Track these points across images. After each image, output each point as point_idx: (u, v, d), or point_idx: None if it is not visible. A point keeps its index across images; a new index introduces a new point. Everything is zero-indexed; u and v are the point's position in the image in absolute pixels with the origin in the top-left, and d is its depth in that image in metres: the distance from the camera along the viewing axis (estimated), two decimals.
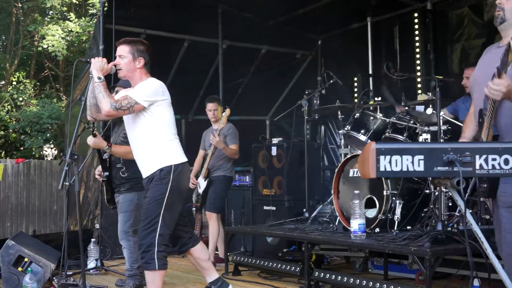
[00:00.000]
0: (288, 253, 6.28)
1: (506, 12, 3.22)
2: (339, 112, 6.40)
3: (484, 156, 2.76)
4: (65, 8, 17.07)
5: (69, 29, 15.61)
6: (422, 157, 2.77)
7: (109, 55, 5.45)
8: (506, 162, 2.75)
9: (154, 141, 4.25)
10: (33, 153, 15.44)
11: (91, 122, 4.80)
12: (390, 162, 2.77)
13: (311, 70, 9.22)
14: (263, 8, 7.95)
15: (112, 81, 5.61)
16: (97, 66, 4.19)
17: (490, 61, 3.25)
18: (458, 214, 4.85)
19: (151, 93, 4.22)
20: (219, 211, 6.59)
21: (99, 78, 4.14)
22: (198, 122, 8.80)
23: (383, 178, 5.03)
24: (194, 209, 6.67)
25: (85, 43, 15.74)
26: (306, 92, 7.01)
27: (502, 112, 3.08)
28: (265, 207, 7.03)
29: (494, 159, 2.76)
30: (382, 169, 2.77)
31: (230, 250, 6.40)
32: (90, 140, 4.93)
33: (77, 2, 17.12)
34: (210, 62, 8.64)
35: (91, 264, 6.40)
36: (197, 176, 6.69)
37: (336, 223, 5.62)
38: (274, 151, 7.08)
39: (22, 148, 16.13)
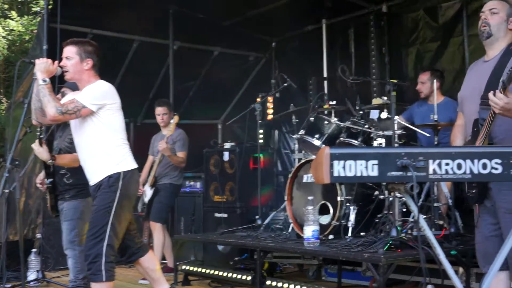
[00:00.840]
0: (240, 261, 6.28)
1: (492, 27, 3.45)
2: (293, 116, 6.43)
3: (437, 161, 2.81)
4: (6, 6, 16.71)
5: (11, 27, 15.32)
6: (376, 162, 2.80)
7: (53, 56, 5.34)
8: (459, 166, 2.81)
9: (102, 146, 4.17)
10: None
11: (38, 128, 4.70)
12: (344, 167, 2.79)
13: (264, 73, 9.25)
14: (216, 9, 7.93)
15: (57, 83, 5.51)
16: (42, 67, 4.10)
17: (478, 76, 3.49)
18: (412, 220, 4.92)
19: (99, 96, 4.14)
20: (164, 221, 6.53)
21: (44, 80, 4.05)
22: (147, 126, 8.70)
23: (337, 184, 5.08)
24: (140, 217, 6.59)
25: (27, 42, 15.43)
26: (260, 96, 7.02)
27: (497, 122, 3.22)
28: (216, 214, 7.02)
29: (447, 164, 2.81)
30: (336, 174, 2.78)
31: (180, 259, 6.36)
32: (35, 147, 4.82)
33: (20, 0, 16.79)
34: (160, 63, 8.58)
35: (31, 276, 6.26)
36: (144, 184, 6.62)
37: (289, 230, 5.62)
38: (226, 156, 7.08)
39: None
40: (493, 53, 3.46)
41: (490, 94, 3.04)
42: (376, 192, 5.25)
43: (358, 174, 2.80)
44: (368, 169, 2.80)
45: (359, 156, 2.80)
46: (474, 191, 3.34)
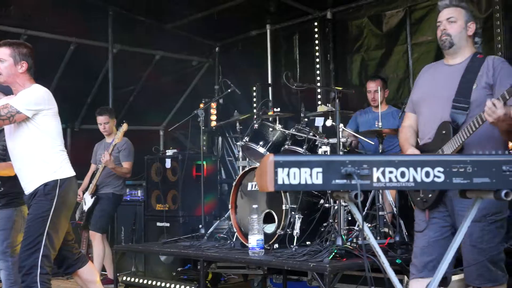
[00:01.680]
0: (183, 272, 6.27)
1: (453, 37, 3.50)
2: (237, 123, 6.46)
3: (381, 169, 2.86)
4: None
5: None
6: (320, 169, 2.82)
7: None
8: (403, 175, 2.88)
9: (38, 153, 4.11)
10: None
11: None
12: (288, 174, 2.81)
13: (208, 78, 9.29)
14: (158, 12, 7.93)
15: None
16: None
17: (441, 79, 3.55)
18: (357, 229, 5.02)
19: (35, 101, 4.08)
20: (104, 231, 6.47)
21: None
22: (85, 132, 8.62)
23: (282, 192, 5.13)
24: (78, 225, 6.50)
25: None
26: (203, 101, 7.04)
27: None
28: (158, 224, 6.98)
29: (391, 172, 2.87)
30: (280, 182, 2.79)
31: (120, 270, 6.31)
32: None
33: None
34: (99, 67, 8.50)
35: None
36: (84, 192, 6.53)
37: (234, 240, 5.64)
38: (168, 163, 7.05)
39: None
40: (459, 59, 3.53)
41: (489, 102, 3.09)
42: (321, 201, 5.34)
43: (303, 182, 2.81)
44: (313, 177, 2.82)
45: (304, 163, 2.83)
46: (430, 195, 3.42)
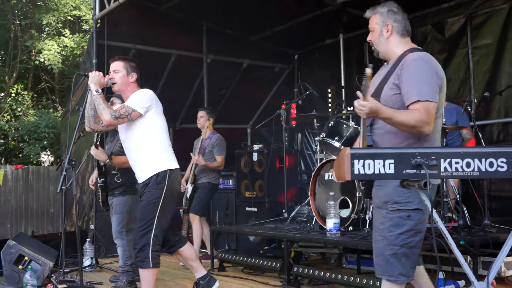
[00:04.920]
0: (269, 250, 6.28)
1: (375, 44, 3.16)
2: (315, 121, 6.42)
3: (448, 160, 2.79)
4: (60, 25, 16.96)
5: (64, 44, 15.52)
6: (392, 161, 2.78)
7: (102, 69, 5.42)
8: (468, 165, 2.78)
9: (150, 147, 4.20)
10: (31, 159, 15.30)
11: (95, 135, 4.77)
12: (363, 165, 2.78)
13: (288, 82, 9.26)
14: (244, 25, 7.98)
15: (105, 93, 5.58)
16: (95, 80, 4.16)
17: (375, 81, 3.19)
18: None
19: (145, 100, 4.19)
20: (202, 214, 6.49)
21: (97, 91, 4.12)
22: (184, 130, 8.77)
23: (356, 181, 5.05)
24: (181, 211, 6.62)
25: (79, 57, 15.64)
26: (284, 103, 7.03)
27: (377, 126, 3.07)
28: (247, 208, 7.02)
29: (457, 162, 2.78)
30: (356, 172, 2.77)
31: (216, 247, 6.39)
32: (93, 150, 4.89)
33: (72, 19, 17.02)
34: (195, 74, 8.62)
35: (86, 262, 6.35)
36: (187, 181, 6.65)
37: (313, 223, 5.63)
38: (255, 156, 7.09)
39: (20, 155, 15.98)
40: (391, 61, 3.12)
41: (355, 102, 2.86)
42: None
43: (376, 172, 2.77)
44: (386, 167, 2.78)
45: (377, 155, 2.79)
46: (363, 187, 3.19)
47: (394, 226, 2.92)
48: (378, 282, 4.27)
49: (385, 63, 3.25)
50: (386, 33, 3.11)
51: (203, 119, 6.61)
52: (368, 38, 3.18)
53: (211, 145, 6.55)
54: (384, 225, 2.95)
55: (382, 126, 3.04)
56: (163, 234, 4.22)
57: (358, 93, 2.89)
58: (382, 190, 3.04)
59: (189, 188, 6.50)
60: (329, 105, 8.14)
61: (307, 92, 7.05)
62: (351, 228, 5.13)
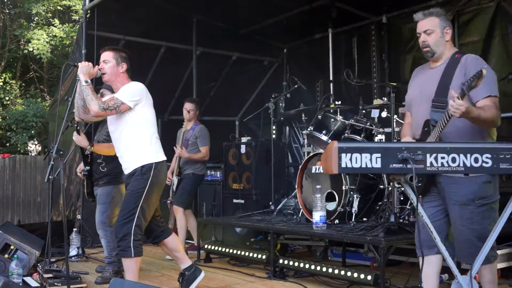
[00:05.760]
0: (256, 242, 6.29)
1: (432, 46, 3.35)
2: (303, 114, 6.42)
3: (434, 155, 2.80)
4: (49, 14, 16.79)
5: (53, 34, 15.39)
6: (379, 155, 2.80)
7: (91, 59, 5.37)
8: (454, 160, 2.80)
9: (137, 139, 4.18)
10: (18, 148, 15.18)
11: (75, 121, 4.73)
12: (350, 159, 2.79)
13: (277, 75, 9.22)
14: (234, 19, 7.94)
15: (94, 84, 5.54)
16: (84, 70, 4.12)
17: (426, 81, 3.40)
18: (409, 207, 4.91)
19: (135, 93, 4.16)
20: (186, 206, 6.41)
21: (86, 81, 4.08)
22: (173, 122, 8.72)
23: (342, 174, 5.07)
24: (169, 202, 6.59)
25: (68, 47, 15.51)
26: (273, 96, 7.01)
27: (449, 124, 3.16)
28: (234, 200, 7.03)
29: (443, 158, 2.80)
30: (343, 165, 2.78)
31: (202, 239, 6.36)
32: (74, 136, 4.86)
33: (61, 9, 16.86)
34: (185, 66, 8.58)
35: (73, 251, 6.31)
36: (173, 173, 6.60)
37: (300, 215, 5.64)
38: (243, 149, 7.08)
39: (8, 144, 15.84)
40: (440, 62, 3.37)
41: (451, 101, 2.96)
42: (377, 182, 5.25)
43: (363, 165, 2.79)
44: (372, 161, 2.80)
45: (364, 149, 2.80)
46: (419, 184, 3.28)
47: (483, 219, 3.16)
48: (363, 275, 4.30)
49: (427, 66, 3.47)
50: (446, 36, 3.36)
51: (192, 112, 6.53)
52: (424, 40, 3.38)
53: (194, 136, 6.48)
54: (473, 219, 3.17)
55: (457, 126, 3.18)
56: (147, 225, 4.20)
57: (453, 92, 3.02)
58: (464, 189, 3.18)
59: (175, 180, 6.46)
60: (317, 98, 8.14)
61: (296, 86, 7.03)
62: (337, 221, 5.15)
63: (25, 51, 15.75)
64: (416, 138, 3.40)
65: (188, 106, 6.57)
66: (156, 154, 4.22)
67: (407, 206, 4.93)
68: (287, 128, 8.84)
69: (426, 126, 3.30)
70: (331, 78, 8.00)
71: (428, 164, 2.80)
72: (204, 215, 7.40)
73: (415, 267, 4.84)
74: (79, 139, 4.87)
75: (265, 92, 8.69)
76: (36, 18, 17.04)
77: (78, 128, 4.82)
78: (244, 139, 7.28)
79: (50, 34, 15.36)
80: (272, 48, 9.13)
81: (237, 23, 8.25)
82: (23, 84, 17.42)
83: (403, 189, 4.55)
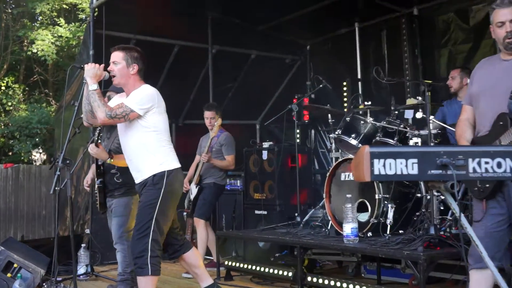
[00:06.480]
0: (280, 257, 6.25)
1: None
2: (329, 116, 6.37)
3: (477, 160, 2.74)
4: (54, 14, 16.98)
5: (59, 34, 15.52)
6: (415, 160, 2.74)
7: (99, 60, 5.42)
8: (499, 165, 2.73)
9: (147, 147, 4.19)
10: (22, 158, 15.35)
11: (96, 131, 4.76)
12: (384, 165, 2.73)
13: (300, 74, 9.21)
14: (252, 14, 7.93)
15: (103, 87, 5.57)
16: (91, 73, 4.13)
17: (498, 73, 3.40)
18: (450, 218, 4.83)
19: (146, 100, 4.16)
20: (207, 218, 6.45)
21: (94, 86, 4.09)
22: (188, 127, 8.76)
23: (375, 182, 5.01)
24: (185, 214, 6.59)
25: (74, 48, 15.66)
26: (296, 97, 6.99)
27: None
28: (256, 212, 7.00)
29: (487, 162, 2.74)
30: (376, 172, 2.73)
31: (222, 254, 6.35)
32: (93, 150, 4.87)
33: (67, 8, 17.03)
34: (200, 67, 8.60)
35: (81, 269, 6.32)
36: (191, 182, 6.61)
37: (329, 227, 5.58)
38: (265, 155, 7.05)
39: (10, 153, 16.01)
40: None
41: None
42: (413, 190, 5.18)
43: (398, 172, 2.73)
44: (408, 167, 2.74)
45: (399, 154, 2.74)
46: (487, 185, 3.24)
47: None
48: None
49: (498, 57, 3.48)
50: None
51: (214, 120, 6.48)
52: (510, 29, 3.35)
53: (219, 143, 6.52)
54: None
55: None
56: (164, 238, 4.19)
57: None
58: None
59: (194, 189, 6.47)
60: (345, 99, 8.09)
61: (321, 86, 7.01)
62: (370, 233, 5.07)
63: (29, 53, 15.91)
64: (482, 134, 3.39)
65: (207, 114, 6.55)
66: (168, 161, 4.22)
67: (448, 217, 4.85)
68: (313, 131, 8.81)
69: (501, 120, 3.27)
70: (359, 77, 7.96)
71: (470, 170, 2.73)
72: (223, 228, 7.38)
73: (459, 285, 4.76)
74: (98, 152, 4.89)
75: (288, 93, 8.68)
76: (40, 17, 17.24)
77: (96, 139, 4.83)
78: (265, 144, 7.26)
79: (55, 35, 15.51)
80: (294, 45, 9.12)
81: (255, 19, 8.24)
82: (27, 88, 17.61)
83: (443, 197, 4.53)
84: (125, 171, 4.99)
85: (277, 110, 7.40)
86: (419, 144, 5.23)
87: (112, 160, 4.95)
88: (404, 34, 7.55)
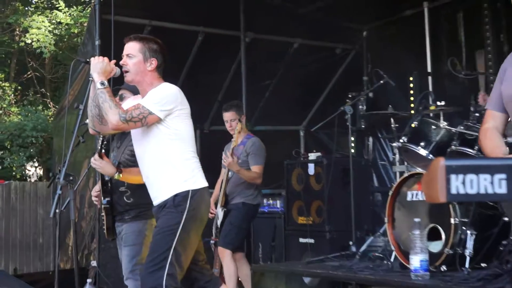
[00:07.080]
0: None
1: None
2: (391, 120, 6.36)
3: None
4: None
5: (58, 20, 15.71)
6: (504, 176, 2.70)
7: (108, 53, 5.43)
8: None
9: (169, 160, 4.17)
10: (14, 173, 15.55)
11: (99, 140, 4.77)
12: (463, 182, 2.71)
13: (354, 68, 9.24)
14: None
15: (112, 84, 5.65)
16: (98, 68, 4.15)
17: None
18: None
19: (168, 101, 4.14)
20: (234, 247, 6.38)
21: (102, 83, 4.09)
22: (216, 134, 8.79)
23: (451, 204, 4.99)
24: (212, 242, 6.61)
25: (77, 37, 15.86)
26: (350, 96, 6.99)
27: None
28: (301, 240, 7.01)
29: None
30: (453, 191, 2.70)
31: None
32: (96, 162, 4.84)
33: None
34: (230, 59, 8.65)
35: None
36: (217, 203, 6.61)
37: (392, 259, 5.59)
38: (311, 169, 7.06)
39: (0, 167, 16.28)
40: None
41: None
42: (499, 213, 5.13)
43: (482, 191, 2.70)
44: (495, 185, 2.71)
45: (483, 169, 2.72)
46: None
47: None
48: None
49: None
50: None
51: (234, 122, 6.47)
52: None
53: (246, 152, 6.47)
54: None
55: None
56: (183, 274, 4.19)
57: None
58: None
59: (220, 213, 6.46)
60: (411, 98, 8.05)
61: (381, 82, 7.01)
62: (444, 267, 5.07)
63: (22, 44, 16.15)
64: None
65: (226, 116, 6.56)
66: (193, 178, 4.21)
67: None
68: (371, 139, 8.80)
69: None
70: (429, 70, 7.94)
71: None
72: (260, 260, 7.41)
73: None
74: (102, 165, 4.83)
75: (339, 91, 8.68)
76: (35, 0, 17.53)
77: (102, 150, 4.86)
78: (312, 156, 7.28)
79: (54, 21, 15.72)
80: (346, 32, 9.15)
81: (298, 1, 8.27)
82: (19, 87, 17.88)
83: None
84: (137, 189, 4.97)
85: (326, 112, 7.42)
86: (508, 155, 5.18)
87: (120, 176, 4.93)
88: (486, 16, 7.53)
